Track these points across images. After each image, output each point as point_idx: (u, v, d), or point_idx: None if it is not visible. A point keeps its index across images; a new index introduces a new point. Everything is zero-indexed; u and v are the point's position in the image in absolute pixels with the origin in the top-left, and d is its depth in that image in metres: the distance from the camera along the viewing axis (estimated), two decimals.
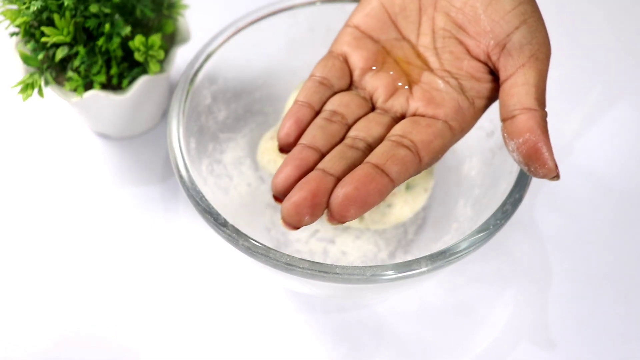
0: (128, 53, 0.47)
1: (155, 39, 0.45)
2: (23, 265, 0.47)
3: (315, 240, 0.48)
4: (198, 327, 0.44)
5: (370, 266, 0.35)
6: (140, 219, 0.49)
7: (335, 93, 0.36)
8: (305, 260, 0.35)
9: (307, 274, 0.35)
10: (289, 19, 0.48)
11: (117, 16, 0.45)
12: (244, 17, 0.46)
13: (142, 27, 0.48)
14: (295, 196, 0.29)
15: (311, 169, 0.31)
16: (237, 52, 0.46)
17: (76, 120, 0.54)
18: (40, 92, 0.44)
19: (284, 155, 0.46)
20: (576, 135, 0.54)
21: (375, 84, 0.35)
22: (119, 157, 0.53)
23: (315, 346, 0.44)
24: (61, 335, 0.44)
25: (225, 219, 0.37)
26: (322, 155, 0.32)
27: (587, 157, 0.53)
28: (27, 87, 0.44)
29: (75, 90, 0.46)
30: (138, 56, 0.45)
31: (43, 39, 0.43)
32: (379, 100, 0.35)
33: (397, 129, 0.33)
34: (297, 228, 0.30)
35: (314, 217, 0.30)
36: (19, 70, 0.46)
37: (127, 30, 0.44)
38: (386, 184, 0.30)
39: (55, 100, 0.54)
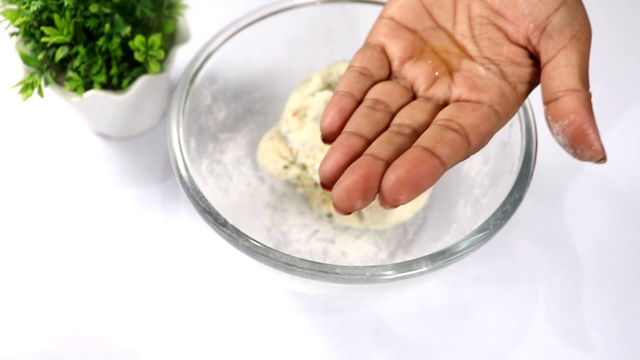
0: (128, 53, 0.47)
1: (155, 39, 0.45)
2: (23, 265, 0.47)
3: (315, 240, 0.48)
4: (198, 327, 0.44)
5: (370, 266, 0.35)
6: (140, 219, 0.49)
7: (375, 83, 0.35)
8: (305, 260, 0.35)
9: (307, 274, 0.35)
10: (289, 19, 0.47)
11: (117, 16, 0.45)
12: (244, 17, 0.46)
13: (142, 27, 0.48)
14: (346, 180, 0.29)
15: (359, 155, 0.31)
16: (237, 52, 0.46)
17: (76, 120, 0.54)
18: (40, 92, 0.44)
19: (284, 155, 0.47)
20: None
21: (415, 73, 0.35)
22: (119, 157, 0.53)
23: (316, 346, 0.44)
24: (61, 335, 0.44)
25: (225, 219, 0.37)
26: (368, 142, 0.31)
27: None
28: (27, 87, 0.44)
29: (75, 90, 0.46)
30: (138, 56, 0.45)
31: (43, 39, 0.43)
32: (420, 89, 0.35)
33: (443, 113, 0.32)
34: (349, 213, 0.29)
35: (366, 201, 0.29)
36: (19, 70, 0.46)
37: (127, 30, 0.44)
38: (437, 166, 0.29)
39: (55, 100, 0.54)
